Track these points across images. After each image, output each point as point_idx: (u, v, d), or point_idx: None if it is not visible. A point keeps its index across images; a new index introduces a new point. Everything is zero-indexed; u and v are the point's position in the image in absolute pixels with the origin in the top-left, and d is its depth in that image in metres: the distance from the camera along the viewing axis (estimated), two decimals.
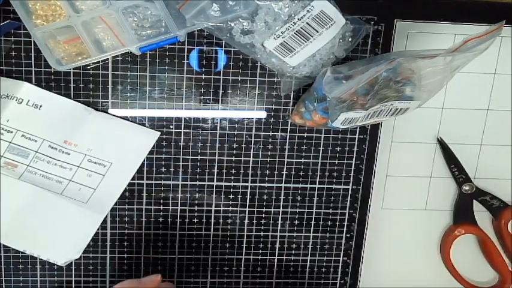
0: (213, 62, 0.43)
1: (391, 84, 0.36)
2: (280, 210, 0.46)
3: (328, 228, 0.47)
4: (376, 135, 0.45)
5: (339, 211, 0.47)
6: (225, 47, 0.43)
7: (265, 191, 0.46)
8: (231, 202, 0.46)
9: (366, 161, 0.46)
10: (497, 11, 0.43)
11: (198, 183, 0.45)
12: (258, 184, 0.46)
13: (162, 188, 0.45)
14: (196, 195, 0.45)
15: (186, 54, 0.42)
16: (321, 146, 0.45)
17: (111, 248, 0.46)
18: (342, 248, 0.48)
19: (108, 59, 0.42)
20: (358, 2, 0.42)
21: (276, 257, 0.47)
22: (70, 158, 0.43)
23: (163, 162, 0.44)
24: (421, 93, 0.38)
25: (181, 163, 0.45)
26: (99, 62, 0.42)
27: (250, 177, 0.45)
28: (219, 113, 0.44)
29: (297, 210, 0.47)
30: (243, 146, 0.45)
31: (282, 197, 0.46)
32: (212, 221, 0.46)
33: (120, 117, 0.43)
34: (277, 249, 0.47)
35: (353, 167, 0.46)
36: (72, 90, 0.42)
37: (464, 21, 0.43)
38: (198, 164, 0.45)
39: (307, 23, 0.39)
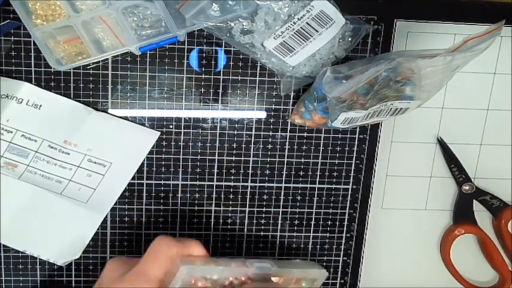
0: (213, 62, 0.43)
1: (391, 84, 0.36)
2: (280, 210, 0.46)
3: (328, 228, 0.47)
4: (376, 135, 0.45)
5: (339, 211, 0.47)
6: (225, 47, 0.43)
7: (265, 191, 0.46)
8: (231, 202, 0.46)
9: (366, 161, 0.46)
10: (497, 11, 0.43)
11: (198, 183, 0.45)
12: (258, 184, 0.46)
13: (162, 188, 0.45)
14: (196, 195, 0.45)
15: (186, 54, 0.42)
16: (321, 146, 0.45)
17: (111, 248, 0.46)
18: (342, 248, 0.48)
19: (108, 59, 0.42)
20: (358, 2, 0.42)
21: (276, 257, 0.47)
22: (70, 158, 0.43)
23: (163, 162, 0.44)
24: (421, 93, 0.38)
25: (181, 163, 0.45)
26: (99, 62, 0.42)
27: (250, 177, 0.45)
28: (219, 113, 0.44)
29: (297, 210, 0.47)
30: (243, 146, 0.45)
31: (282, 197, 0.46)
32: (212, 221, 0.46)
33: (120, 117, 0.43)
34: (277, 249, 0.47)
35: (353, 167, 0.46)
36: (72, 90, 0.42)
37: (464, 21, 0.43)
38: (198, 164, 0.45)
39: (307, 22, 0.39)
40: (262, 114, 0.44)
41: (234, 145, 0.45)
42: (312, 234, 0.47)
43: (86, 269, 0.46)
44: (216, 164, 0.45)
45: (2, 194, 0.42)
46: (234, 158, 0.45)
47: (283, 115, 0.44)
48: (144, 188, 0.45)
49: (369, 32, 0.43)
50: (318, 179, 0.46)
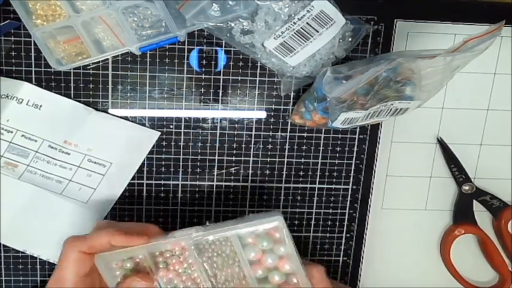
0: (213, 62, 0.43)
1: (391, 84, 0.36)
2: (280, 210, 0.46)
3: (328, 228, 0.47)
4: (376, 135, 0.45)
5: (339, 211, 0.47)
6: (225, 47, 0.43)
7: (265, 191, 0.46)
8: (231, 202, 0.46)
9: (366, 161, 0.46)
10: (497, 11, 0.43)
11: (198, 183, 0.45)
12: (258, 184, 0.46)
13: (162, 188, 0.45)
14: (196, 195, 0.45)
15: (186, 54, 0.42)
16: (321, 146, 0.45)
17: None
18: (342, 248, 0.48)
19: (108, 59, 0.42)
20: (358, 2, 0.42)
21: None
22: (70, 158, 0.43)
23: (163, 162, 0.44)
24: (421, 93, 0.38)
25: (181, 163, 0.45)
26: (99, 62, 0.42)
27: (250, 177, 0.45)
28: (219, 113, 0.44)
29: (297, 210, 0.47)
30: (243, 146, 0.45)
31: (282, 197, 0.46)
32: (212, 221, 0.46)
33: (120, 117, 0.43)
34: None
35: (353, 167, 0.46)
36: (72, 90, 0.42)
37: (464, 21, 0.43)
38: (198, 164, 0.45)
39: (307, 23, 0.39)
40: (262, 114, 0.44)
41: (234, 145, 0.45)
42: (312, 234, 0.47)
43: None
44: (216, 164, 0.45)
45: (2, 194, 0.42)
46: (234, 158, 0.45)
47: (283, 115, 0.44)
48: (144, 188, 0.45)
49: (369, 32, 0.43)
50: (318, 179, 0.46)
